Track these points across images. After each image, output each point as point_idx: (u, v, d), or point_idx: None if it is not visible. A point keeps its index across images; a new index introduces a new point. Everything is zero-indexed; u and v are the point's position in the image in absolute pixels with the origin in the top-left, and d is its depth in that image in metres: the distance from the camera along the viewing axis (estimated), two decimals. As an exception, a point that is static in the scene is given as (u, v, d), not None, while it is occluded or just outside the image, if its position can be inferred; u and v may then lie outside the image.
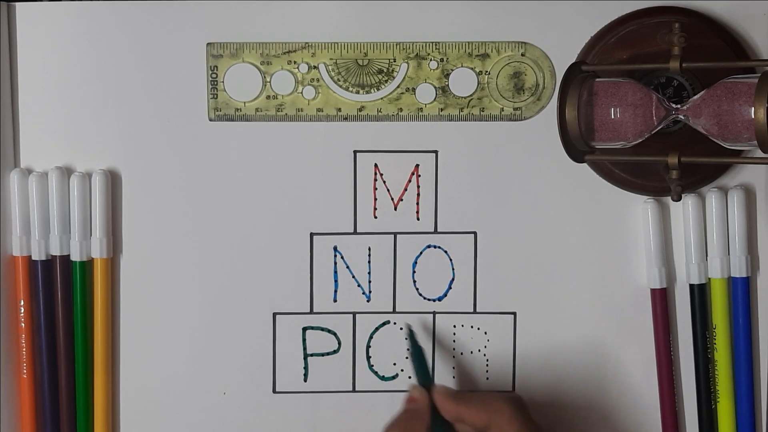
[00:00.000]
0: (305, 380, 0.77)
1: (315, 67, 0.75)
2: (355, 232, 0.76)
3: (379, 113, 0.75)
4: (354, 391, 0.77)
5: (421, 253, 0.76)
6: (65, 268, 0.75)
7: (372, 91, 0.75)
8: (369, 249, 0.76)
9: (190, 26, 0.75)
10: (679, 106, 0.68)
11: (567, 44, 0.74)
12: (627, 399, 0.76)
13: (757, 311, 0.75)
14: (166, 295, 0.76)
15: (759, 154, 0.67)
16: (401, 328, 0.76)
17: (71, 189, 0.74)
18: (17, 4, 0.75)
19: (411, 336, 0.75)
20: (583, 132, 0.68)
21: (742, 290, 0.74)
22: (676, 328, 0.76)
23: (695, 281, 0.74)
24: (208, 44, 0.75)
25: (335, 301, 0.76)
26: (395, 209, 0.76)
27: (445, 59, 0.75)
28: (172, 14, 0.75)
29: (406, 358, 0.76)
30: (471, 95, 0.75)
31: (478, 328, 0.76)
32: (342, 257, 0.76)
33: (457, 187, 0.76)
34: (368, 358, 0.77)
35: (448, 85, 0.75)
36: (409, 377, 0.76)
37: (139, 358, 0.76)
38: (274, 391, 0.77)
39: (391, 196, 0.76)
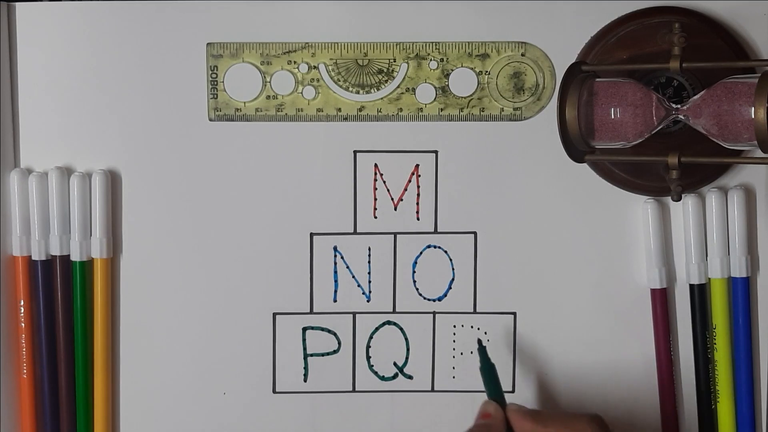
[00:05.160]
0: (305, 380, 0.77)
1: (315, 67, 0.75)
2: (355, 232, 0.76)
3: (379, 113, 0.75)
4: (354, 391, 0.77)
5: (421, 253, 0.76)
6: (65, 268, 0.75)
7: (372, 91, 0.75)
8: (369, 249, 0.76)
9: (190, 26, 0.75)
10: (679, 106, 0.68)
11: (567, 44, 0.74)
12: (627, 399, 0.76)
13: (757, 311, 0.75)
14: (166, 296, 0.76)
15: (759, 154, 0.67)
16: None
17: (71, 189, 0.74)
18: (17, 4, 0.75)
19: (481, 351, 0.72)
20: (583, 132, 0.68)
21: (742, 290, 0.74)
22: (676, 328, 0.76)
23: (695, 281, 0.74)
24: (208, 44, 0.75)
25: (335, 301, 0.76)
26: (395, 209, 0.76)
27: (445, 59, 0.75)
28: (172, 14, 0.74)
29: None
30: (471, 95, 0.75)
31: (478, 328, 0.76)
32: (342, 257, 0.76)
33: (457, 187, 0.75)
34: (368, 358, 0.77)
35: (448, 85, 0.75)
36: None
37: (139, 358, 0.76)
38: (274, 391, 0.77)
39: (391, 196, 0.76)
